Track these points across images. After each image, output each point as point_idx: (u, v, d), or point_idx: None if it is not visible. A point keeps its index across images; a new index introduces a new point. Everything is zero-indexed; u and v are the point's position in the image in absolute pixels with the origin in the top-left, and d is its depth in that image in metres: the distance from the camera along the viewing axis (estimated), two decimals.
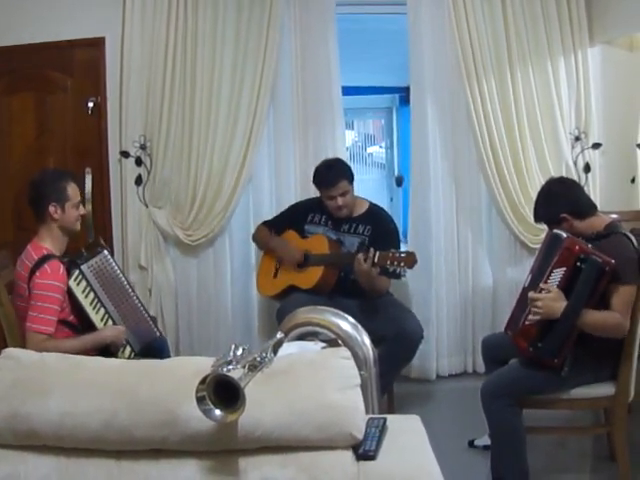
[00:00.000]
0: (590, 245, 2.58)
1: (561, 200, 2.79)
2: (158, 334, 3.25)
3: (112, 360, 1.84)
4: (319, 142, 4.08)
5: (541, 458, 3.01)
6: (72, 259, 2.86)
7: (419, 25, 4.01)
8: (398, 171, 6.35)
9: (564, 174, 3.86)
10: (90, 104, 3.99)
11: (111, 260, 3.01)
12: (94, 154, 4.04)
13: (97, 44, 3.96)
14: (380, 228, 3.57)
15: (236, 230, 4.14)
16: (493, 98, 3.95)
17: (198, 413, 1.51)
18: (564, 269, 2.57)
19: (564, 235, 2.64)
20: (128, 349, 2.95)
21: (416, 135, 4.14)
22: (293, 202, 3.96)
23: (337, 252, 3.59)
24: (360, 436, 1.63)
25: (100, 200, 3.99)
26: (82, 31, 3.91)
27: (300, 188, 4.09)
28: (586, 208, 2.79)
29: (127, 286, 3.08)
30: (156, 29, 3.85)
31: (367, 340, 2.10)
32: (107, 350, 2.82)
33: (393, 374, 3.43)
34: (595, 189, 4.05)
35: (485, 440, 3.03)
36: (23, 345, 2.61)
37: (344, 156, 4.03)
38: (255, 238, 3.91)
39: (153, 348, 3.09)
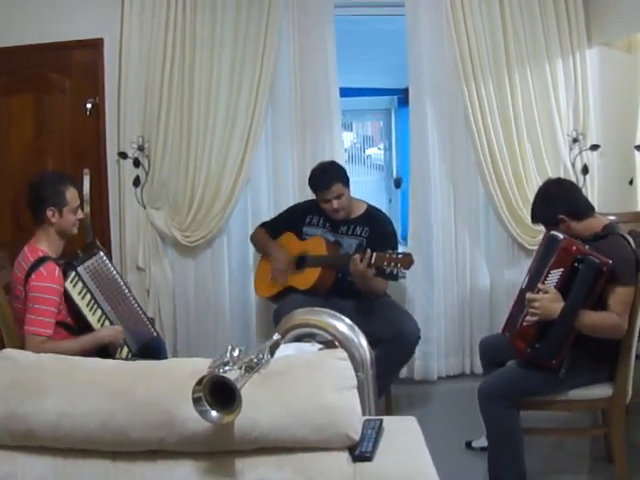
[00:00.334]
0: (587, 246, 2.58)
1: (559, 201, 2.79)
2: (155, 334, 3.26)
3: (109, 361, 1.84)
4: (317, 144, 4.07)
5: (539, 459, 3.01)
6: (68, 261, 2.86)
7: (417, 26, 4.01)
8: (396, 173, 6.33)
9: (562, 176, 3.84)
10: (88, 105, 3.99)
11: (107, 261, 3.01)
12: (92, 155, 4.03)
13: (95, 45, 3.95)
14: (378, 230, 3.57)
15: (234, 231, 4.14)
16: (491, 99, 3.95)
17: (195, 414, 1.51)
18: (561, 270, 2.57)
19: (561, 236, 2.64)
20: (125, 349, 2.96)
21: (415, 136, 4.14)
22: (291, 204, 3.96)
23: (334, 253, 3.59)
24: (356, 437, 1.63)
25: (98, 201, 3.98)
26: (81, 32, 3.91)
27: (298, 190, 4.08)
28: (584, 209, 2.79)
29: (124, 287, 3.09)
30: (154, 31, 3.86)
31: (364, 342, 2.10)
32: (105, 350, 2.83)
33: (390, 376, 3.43)
34: (593, 191, 4.05)
35: (482, 441, 3.02)
36: (21, 346, 2.61)
37: (342, 158, 4.04)
38: (253, 240, 3.90)
39: (150, 348, 3.10)
